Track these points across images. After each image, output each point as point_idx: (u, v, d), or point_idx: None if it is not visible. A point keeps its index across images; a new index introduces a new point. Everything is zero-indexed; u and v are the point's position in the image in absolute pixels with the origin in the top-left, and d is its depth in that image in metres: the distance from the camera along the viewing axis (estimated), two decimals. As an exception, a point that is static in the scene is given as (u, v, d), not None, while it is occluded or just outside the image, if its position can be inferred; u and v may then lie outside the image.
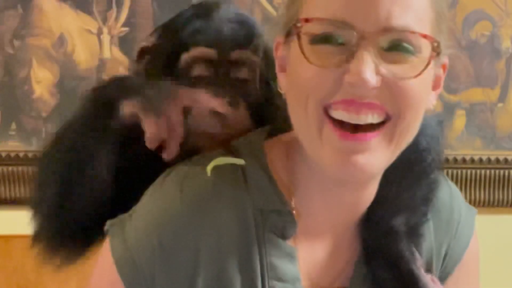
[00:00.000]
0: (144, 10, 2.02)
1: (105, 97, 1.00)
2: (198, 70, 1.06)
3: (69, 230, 1.04)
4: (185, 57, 1.06)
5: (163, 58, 1.09)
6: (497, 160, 2.07)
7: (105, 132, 0.99)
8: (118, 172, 1.02)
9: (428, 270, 1.02)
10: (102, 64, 2.04)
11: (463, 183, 2.05)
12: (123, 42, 2.03)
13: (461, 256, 1.05)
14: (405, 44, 0.84)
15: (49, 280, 2.01)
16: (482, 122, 2.06)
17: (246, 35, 1.07)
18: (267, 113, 1.07)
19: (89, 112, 1.01)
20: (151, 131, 0.97)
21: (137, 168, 1.01)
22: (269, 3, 2.03)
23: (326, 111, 0.86)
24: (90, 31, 2.03)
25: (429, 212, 1.01)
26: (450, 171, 2.03)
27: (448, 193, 1.05)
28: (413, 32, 0.84)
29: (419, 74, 0.85)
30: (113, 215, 1.00)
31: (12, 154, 2.05)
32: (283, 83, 0.93)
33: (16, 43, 2.03)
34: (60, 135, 1.04)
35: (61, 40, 2.03)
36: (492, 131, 2.07)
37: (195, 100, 1.00)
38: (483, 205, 2.06)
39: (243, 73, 1.06)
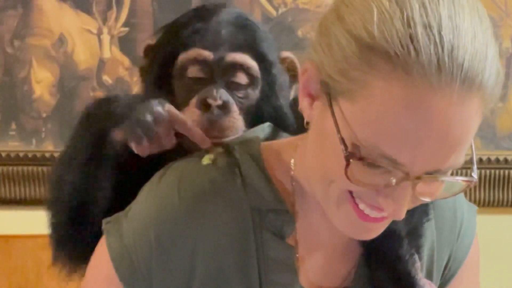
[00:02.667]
0: (144, 10, 2.02)
1: (95, 127, 1.02)
2: (194, 71, 1.06)
3: (84, 244, 1.05)
4: (181, 57, 1.06)
5: (161, 57, 1.09)
6: (497, 160, 2.07)
7: (102, 159, 1.02)
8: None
9: (429, 271, 1.02)
10: (102, 64, 2.05)
11: (463, 183, 2.05)
12: (123, 42, 2.03)
13: (464, 257, 1.05)
14: (445, 175, 0.83)
15: (49, 280, 2.01)
16: (482, 122, 2.05)
17: (246, 39, 1.07)
18: (264, 117, 1.07)
19: (83, 144, 1.03)
20: (143, 154, 0.99)
21: (134, 170, 1.02)
22: (269, 3, 2.03)
23: (350, 192, 0.86)
24: (90, 31, 2.03)
25: (430, 212, 1.01)
26: (450, 171, 2.03)
27: None
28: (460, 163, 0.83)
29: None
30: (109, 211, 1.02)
31: (12, 154, 2.05)
32: (306, 110, 0.89)
33: (16, 43, 2.03)
34: (62, 167, 1.07)
35: (61, 40, 2.03)
36: (492, 131, 2.07)
37: (182, 128, 1.01)
38: (483, 205, 2.07)
39: (238, 77, 1.06)
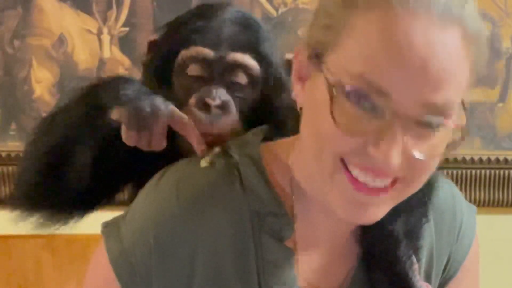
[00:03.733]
0: (144, 10, 2.02)
1: (98, 100, 1.02)
2: (194, 69, 1.06)
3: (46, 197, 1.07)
4: (182, 55, 1.06)
5: (162, 54, 1.09)
6: (497, 160, 2.07)
7: (92, 130, 1.01)
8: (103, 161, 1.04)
9: (427, 273, 1.02)
10: (102, 64, 2.04)
11: (463, 183, 2.05)
12: (123, 42, 2.03)
13: (464, 258, 1.05)
14: (438, 121, 0.82)
15: (49, 280, 2.01)
16: (482, 122, 2.06)
17: (248, 39, 1.07)
18: (264, 117, 1.07)
19: (80, 110, 1.03)
20: (129, 143, 0.98)
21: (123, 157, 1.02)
22: (269, 3, 2.03)
23: (342, 160, 0.85)
24: (90, 31, 2.03)
25: (429, 213, 1.01)
26: (450, 171, 2.03)
27: (450, 194, 1.05)
28: (451, 108, 0.81)
29: (443, 152, 0.84)
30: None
31: (12, 154, 2.05)
32: (299, 94, 0.90)
33: (16, 43, 2.03)
34: (50, 121, 1.07)
35: (61, 40, 2.03)
36: (492, 131, 2.07)
37: (180, 127, 1.00)
38: (483, 205, 2.07)
39: (238, 77, 1.06)
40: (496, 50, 2.01)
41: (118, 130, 0.99)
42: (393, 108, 0.79)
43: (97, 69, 2.04)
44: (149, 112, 0.98)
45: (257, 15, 2.00)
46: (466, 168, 2.06)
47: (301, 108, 0.89)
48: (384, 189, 0.85)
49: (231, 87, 1.06)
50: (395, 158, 0.80)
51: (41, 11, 2.02)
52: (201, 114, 1.03)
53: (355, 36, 0.79)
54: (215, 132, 1.03)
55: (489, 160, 2.06)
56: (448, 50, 0.79)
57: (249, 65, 1.06)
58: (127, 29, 2.03)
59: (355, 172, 0.84)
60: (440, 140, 0.83)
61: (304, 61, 0.87)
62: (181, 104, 1.05)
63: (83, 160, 1.03)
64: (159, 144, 1.00)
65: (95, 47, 2.04)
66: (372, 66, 0.78)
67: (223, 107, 1.04)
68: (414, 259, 0.99)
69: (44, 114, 2.02)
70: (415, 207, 0.99)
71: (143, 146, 0.99)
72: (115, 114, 0.98)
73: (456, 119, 0.83)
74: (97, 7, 2.02)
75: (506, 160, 2.08)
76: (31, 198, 1.07)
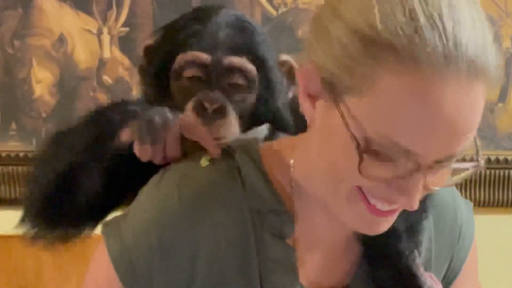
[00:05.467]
0: (144, 10, 2.02)
1: (107, 122, 1.03)
2: (191, 73, 1.06)
3: (56, 218, 1.08)
4: (179, 59, 1.06)
5: (159, 58, 1.09)
6: (497, 160, 2.07)
7: (100, 155, 1.02)
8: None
9: (425, 265, 1.02)
10: (102, 64, 2.05)
11: (463, 183, 2.05)
12: (123, 42, 2.03)
13: (466, 256, 1.06)
14: (457, 164, 0.84)
15: (49, 280, 2.01)
16: (482, 122, 2.04)
17: (244, 42, 1.07)
18: (262, 119, 1.06)
19: (88, 135, 1.04)
20: (144, 158, 0.99)
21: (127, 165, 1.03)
22: (269, 3, 2.03)
23: (360, 188, 0.86)
24: (90, 31, 2.03)
25: (429, 208, 1.01)
26: (450, 171, 2.03)
27: (451, 194, 1.05)
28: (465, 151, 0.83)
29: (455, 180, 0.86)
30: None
31: (12, 154, 2.06)
32: (308, 111, 0.88)
33: (16, 43, 2.03)
34: (56, 145, 1.08)
35: (61, 40, 2.03)
36: (492, 131, 2.07)
37: (192, 133, 1.00)
38: (483, 205, 2.07)
39: (235, 80, 1.06)
40: (496, 50, 2.01)
41: (126, 150, 0.99)
42: (418, 162, 0.80)
43: (97, 69, 2.05)
44: (160, 123, 0.98)
45: (257, 15, 2.00)
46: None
47: (309, 125, 0.89)
48: (398, 208, 0.88)
49: (228, 91, 1.06)
50: (416, 203, 0.83)
51: (41, 11, 2.02)
52: (198, 118, 1.03)
53: (383, 94, 0.79)
54: (213, 135, 1.03)
55: (489, 160, 2.06)
56: (474, 107, 0.80)
57: (245, 68, 1.06)
58: (127, 29, 2.03)
59: (373, 201, 0.86)
60: (454, 168, 0.85)
61: (315, 81, 0.86)
62: (179, 109, 1.05)
63: (92, 183, 1.04)
64: (174, 154, 1.00)
65: (95, 47, 2.04)
66: (401, 130, 0.79)
67: (221, 110, 1.04)
68: (416, 253, 0.99)
69: (44, 114, 2.04)
70: None
71: (158, 159, 0.99)
72: (126, 132, 0.99)
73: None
74: (97, 7, 2.02)
75: (506, 160, 2.08)
76: (42, 220, 1.08)
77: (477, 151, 0.86)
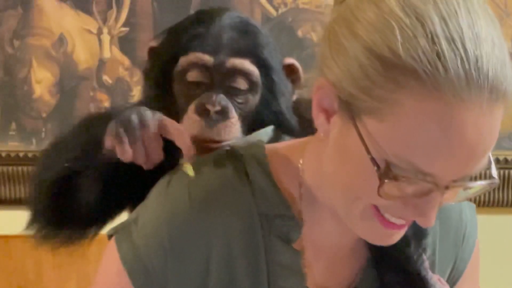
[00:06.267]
0: (144, 10, 2.02)
1: (93, 134, 1.03)
2: (194, 75, 1.06)
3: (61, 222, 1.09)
4: (181, 61, 1.06)
5: (162, 60, 1.09)
6: (497, 160, 2.07)
7: (92, 164, 1.04)
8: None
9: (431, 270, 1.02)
10: (102, 64, 2.05)
11: (463, 183, 2.05)
12: (123, 42, 2.03)
13: (470, 257, 1.05)
14: (473, 182, 0.84)
15: (49, 280, 2.01)
16: (482, 122, 2.06)
17: (247, 44, 1.06)
18: (265, 122, 1.06)
19: (77, 146, 1.05)
20: (125, 159, 0.99)
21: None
22: (269, 3, 2.03)
23: (375, 206, 0.86)
24: (90, 31, 2.04)
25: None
26: (450, 171, 2.03)
27: None
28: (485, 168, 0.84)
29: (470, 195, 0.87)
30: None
31: (12, 154, 2.06)
32: (322, 126, 0.87)
33: (16, 43, 2.03)
34: (52, 153, 1.10)
35: (61, 40, 2.03)
36: (492, 131, 2.07)
37: (169, 133, 1.00)
38: (483, 205, 2.07)
39: (238, 82, 1.05)
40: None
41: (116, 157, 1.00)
42: (436, 183, 0.81)
43: (97, 69, 2.05)
44: (137, 123, 0.98)
45: (257, 15, 2.00)
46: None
47: (324, 137, 0.89)
48: (409, 221, 0.88)
49: (231, 93, 1.05)
50: (433, 220, 0.84)
51: (41, 11, 2.02)
52: (200, 120, 1.03)
53: (404, 118, 0.78)
54: (214, 138, 1.03)
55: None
56: (493, 129, 0.81)
57: (248, 70, 1.05)
58: (127, 29, 2.03)
59: (387, 215, 0.86)
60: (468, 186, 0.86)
61: (330, 97, 0.85)
62: (182, 111, 1.05)
63: (89, 188, 1.05)
64: (156, 155, 1.00)
65: (95, 47, 2.04)
66: (422, 155, 0.79)
67: (223, 112, 1.03)
68: (424, 256, 0.99)
69: (44, 114, 2.04)
70: None
71: (140, 160, 0.99)
72: (108, 141, 0.99)
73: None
74: (97, 7, 2.02)
75: (506, 160, 2.08)
76: (47, 221, 1.10)
77: (491, 167, 0.86)
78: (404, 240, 0.97)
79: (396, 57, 0.78)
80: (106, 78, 2.05)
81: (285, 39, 1.99)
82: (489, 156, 0.84)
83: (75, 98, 2.05)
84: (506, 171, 2.08)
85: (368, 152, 0.81)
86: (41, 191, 1.08)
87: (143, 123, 0.98)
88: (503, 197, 2.09)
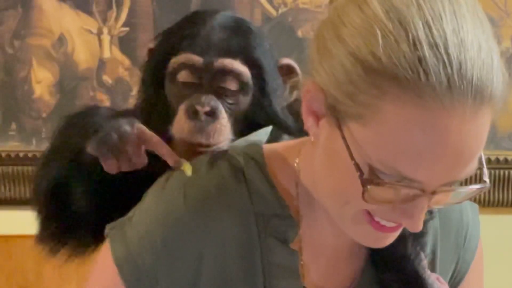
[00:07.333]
0: (144, 10, 2.02)
1: (73, 142, 1.05)
2: (184, 76, 1.05)
3: (66, 229, 1.10)
4: (172, 62, 1.06)
5: (154, 61, 1.09)
6: (497, 160, 2.07)
7: (80, 170, 1.05)
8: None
9: (430, 266, 1.02)
10: (102, 64, 2.05)
11: (463, 183, 2.05)
12: (123, 42, 2.03)
13: (472, 258, 1.05)
14: (461, 187, 0.84)
15: (49, 280, 2.01)
16: (482, 122, 2.06)
17: (238, 44, 1.06)
18: (258, 123, 1.05)
19: (62, 155, 1.07)
20: (111, 171, 1.00)
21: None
22: (269, 3, 2.03)
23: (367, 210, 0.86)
24: (90, 31, 2.03)
25: (434, 210, 1.01)
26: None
27: None
28: (474, 172, 0.82)
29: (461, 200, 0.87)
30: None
31: (12, 154, 2.06)
32: (312, 128, 0.87)
33: (16, 43, 2.03)
34: (45, 162, 1.11)
35: (61, 40, 2.03)
36: (492, 131, 2.05)
37: (150, 144, 1.01)
38: (483, 205, 2.06)
39: (228, 83, 1.05)
40: (496, 50, 2.01)
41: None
42: (422, 188, 0.80)
43: (97, 69, 2.05)
44: (116, 138, 0.98)
45: (257, 15, 2.00)
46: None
47: (314, 139, 0.89)
48: (401, 224, 0.87)
49: (221, 93, 1.05)
50: (420, 226, 0.83)
51: (41, 11, 2.02)
52: (190, 121, 1.03)
53: (387, 124, 0.78)
54: (204, 139, 1.03)
55: (489, 160, 2.06)
56: (479, 134, 0.79)
57: (238, 70, 1.05)
58: (127, 29, 2.03)
59: (378, 218, 0.86)
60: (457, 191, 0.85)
61: (319, 101, 0.84)
62: (174, 112, 1.05)
63: (81, 194, 1.06)
64: (140, 162, 1.00)
65: (95, 47, 2.04)
66: (405, 161, 0.78)
67: (213, 113, 1.03)
68: (422, 255, 0.99)
69: (44, 114, 2.04)
70: None
71: (126, 168, 1.00)
72: (90, 150, 0.99)
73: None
74: (97, 7, 2.02)
75: (506, 160, 2.08)
76: (53, 234, 1.11)
77: (482, 170, 0.85)
78: (402, 239, 0.97)
79: (378, 63, 0.77)
80: (106, 78, 2.05)
81: (285, 39, 1.99)
82: (480, 159, 0.83)
83: (75, 98, 2.05)
84: (506, 171, 2.08)
85: (352, 157, 0.80)
86: (40, 202, 1.10)
87: (122, 137, 0.98)
88: (503, 197, 2.09)
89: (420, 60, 0.75)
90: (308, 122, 0.87)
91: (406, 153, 0.78)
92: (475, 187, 0.84)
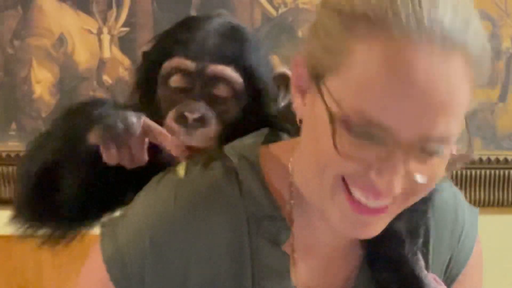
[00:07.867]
0: (144, 10, 2.02)
1: (74, 127, 1.04)
2: (176, 81, 1.05)
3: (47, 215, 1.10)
4: (164, 66, 1.05)
5: (147, 65, 1.09)
6: (497, 160, 2.07)
7: (74, 156, 1.04)
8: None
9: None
10: (102, 64, 2.05)
11: (463, 183, 2.05)
12: (123, 42, 2.03)
13: (466, 260, 1.05)
14: (439, 149, 0.81)
15: (49, 280, 2.01)
16: (482, 122, 2.06)
17: (232, 51, 1.05)
18: (250, 129, 1.04)
19: (60, 138, 1.05)
20: (111, 162, 0.99)
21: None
22: (269, 3, 2.03)
23: (344, 179, 0.84)
24: (90, 31, 2.03)
25: (430, 211, 1.01)
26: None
27: (452, 195, 1.04)
28: (453, 135, 0.81)
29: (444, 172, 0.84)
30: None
31: (12, 154, 2.05)
32: (298, 107, 0.88)
33: (16, 43, 2.03)
34: (38, 144, 1.10)
35: (61, 40, 2.03)
36: (492, 131, 2.07)
37: (154, 137, 1.00)
38: (483, 205, 2.07)
39: (220, 89, 1.04)
40: (496, 50, 2.01)
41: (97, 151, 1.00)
42: (395, 139, 0.78)
43: (97, 69, 2.05)
44: (122, 128, 0.98)
45: (257, 15, 2.00)
46: (466, 168, 2.06)
47: (301, 121, 0.88)
48: (384, 208, 0.85)
49: (213, 100, 1.04)
50: (397, 186, 0.80)
51: (41, 11, 2.02)
52: (178, 127, 1.02)
53: (355, 65, 0.78)
54: (192, 145, 1.02)
55: (489, 160, 2.06)
56: (450, 80, 0.78)
57: (230, 77, 1.04)
58: (127, 29, 2.03)
59: (357, 194, 0.83)
60: (441, 160, 0.83)
61: (304, 75, 0.85)
62: (165, 116, 1.04)
63: (70, 181, 1.05)
64: (141, 158, 1.00)
65: (95, 47, 2.04)
66: (373, 103, 0.77)
67: (202, 120, 1.03)
68: (419, 255, 0.99)
69: (44, 114, 2.04)
70: (418, 205, 0.99)
71: (126, 163, 0.99)
72: (92, 137, 0.99)
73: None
74: (97, 7, 2.02)
75: (506, 160, 2.08)
76: (30, 215, 1.11)
77: (469, 139, 0.84)
78: (399, 239, 0.97)
79: (351, 7, 0.79)
80: (106, 78, 2.05)
81: (285, 39, 1.99)
82: (467, 127, 0.82)
83: (75, 98, 2.04)
84: (506, 171, 2.08)
85: (327, 108, 0.80)
86: (24, 183, 1.08)
87: (128, 128, 0.98)
88: (503, 197, 2.09)
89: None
90: (296, 102, 0.88)
91: (372, 93, 0.77)
92: (450, 147, 0.82)
